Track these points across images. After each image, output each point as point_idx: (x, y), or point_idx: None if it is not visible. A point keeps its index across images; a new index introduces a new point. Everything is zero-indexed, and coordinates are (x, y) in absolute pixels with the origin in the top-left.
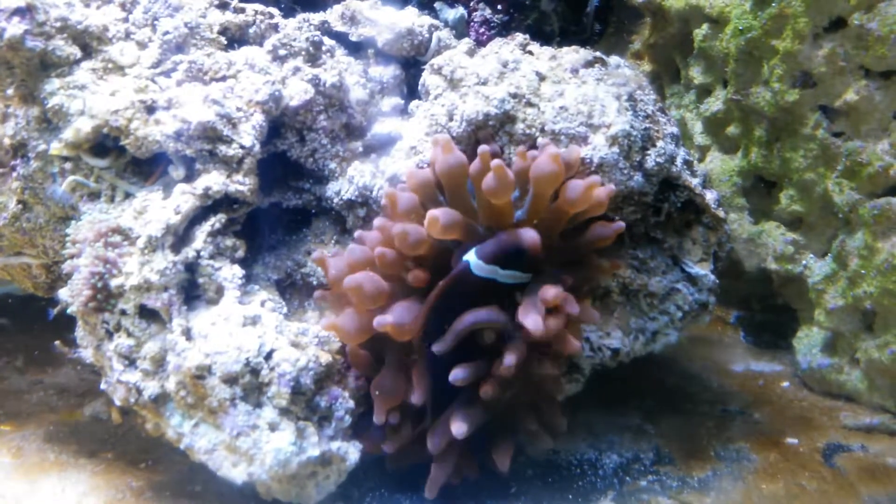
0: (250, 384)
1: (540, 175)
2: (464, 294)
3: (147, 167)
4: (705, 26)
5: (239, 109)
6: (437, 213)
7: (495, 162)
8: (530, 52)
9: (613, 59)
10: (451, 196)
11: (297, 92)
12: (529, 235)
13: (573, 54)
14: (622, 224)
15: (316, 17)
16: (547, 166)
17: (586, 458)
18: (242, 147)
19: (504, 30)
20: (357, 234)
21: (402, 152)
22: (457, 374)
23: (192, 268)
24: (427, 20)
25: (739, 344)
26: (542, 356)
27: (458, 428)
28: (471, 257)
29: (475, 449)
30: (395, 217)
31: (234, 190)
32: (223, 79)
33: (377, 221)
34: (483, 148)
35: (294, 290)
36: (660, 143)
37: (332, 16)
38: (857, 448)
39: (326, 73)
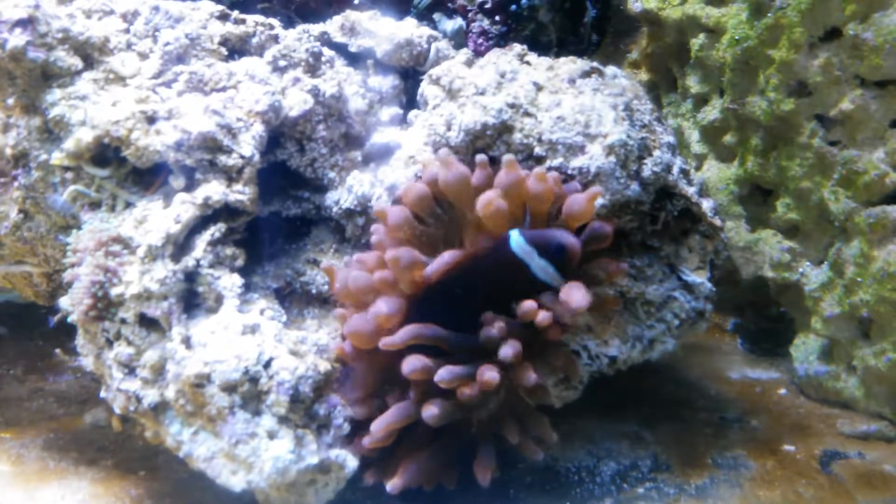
0: (249, 392)
1: (533, 194)
2: (488, 271)
3: (148, 177)
4: (702, 36)
5: (239, 120)
6: (399, 254)
7: (507, 156)
8: (528, 63)
9: (610, 70)
10: (460, 209)
11: (296, 102)
12: (574, 239)
13: (570, 64)
14: (625, 266)
15: (316, 29)
16: (537, 186)
17: (584, 465)
18: (242, 157)
19: (502, 40)
20: (356, 257)
21: (401, 162)
22: (441, 375)
23: (191, 277)
24: (425, 31)
25: (737, 351)
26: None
27: (429, 412)
28: (514, 233)
29: (463, 458)
30: (387, 231)
31: (234, 199)
32: (223, 89)
33: (374, 230)
34: (480, 157)
35: (293, 299)
36: (656, 153)
37: (332, 27)
38: (854, 455)
39: (326, 83)
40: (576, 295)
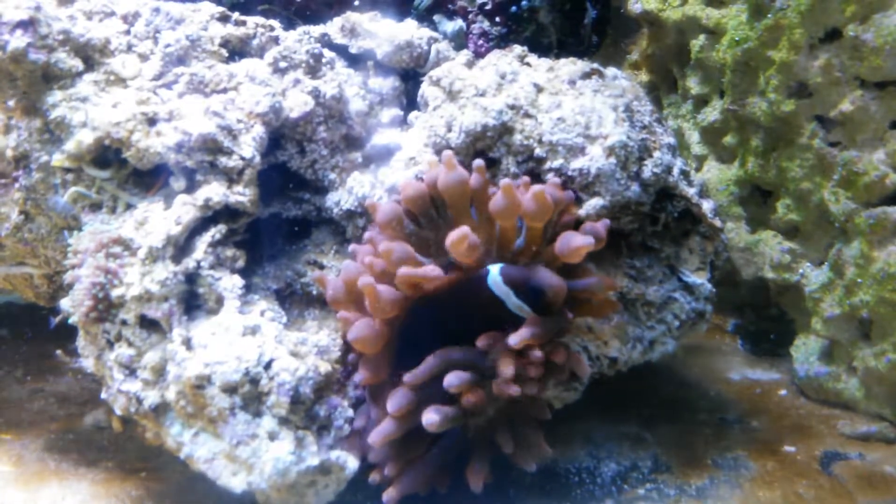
0: (250, 393)
1: (525, 211)
2: (467, 300)
3: (148, 178)
4: (702, 37)
5: (239, 121)
6: (392, 247)
7: (504, 181)
8: (528, 64)
9: (610, 71)
10: (454, 213)
11: (297, 104)
12: (558, 283)
13: (570, 66)
14: (619, 285)
15: (316, 30)
16: (531, 204)
17: (584, 466)
18: (243, 158)
19: (502, 42)
20: (351, 247)
21: (401, 163)
22: (450, 381)
23: (192, 278)
24: (426, 32)
25: (737, 352)
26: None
27: (429, 419)
28: (493, 269)
29: (461, 461)
30: (376, 227)
31: (235, 201)
32: (224, 91)
33: (369, 228)
34: (478, 162)
35: (294, 300)
36: (656, 154)
37: (332, 28)
38: (855, 456)
39: (326, 85)
40: (513, 338)
